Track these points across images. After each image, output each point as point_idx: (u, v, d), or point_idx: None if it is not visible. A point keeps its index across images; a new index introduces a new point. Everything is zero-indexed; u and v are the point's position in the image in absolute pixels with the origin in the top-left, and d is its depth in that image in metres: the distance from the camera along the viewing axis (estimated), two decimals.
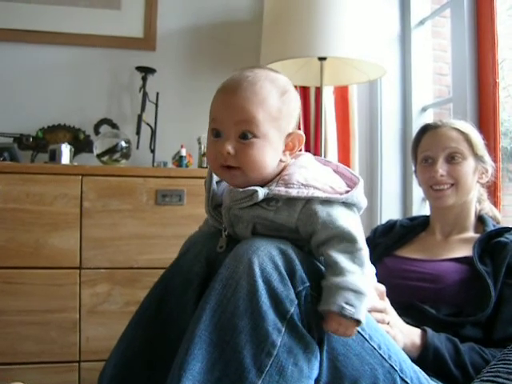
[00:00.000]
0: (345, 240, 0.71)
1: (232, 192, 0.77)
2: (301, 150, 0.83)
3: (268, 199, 0.74)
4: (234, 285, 0.67)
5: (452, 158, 1.13)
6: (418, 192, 2.02)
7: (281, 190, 0.73)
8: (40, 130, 1.82)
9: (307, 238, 0.75)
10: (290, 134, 0.78)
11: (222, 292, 0.67)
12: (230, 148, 0.74)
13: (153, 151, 1.85)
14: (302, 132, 0.80)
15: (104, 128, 1.86)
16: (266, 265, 0.67)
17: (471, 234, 1.13)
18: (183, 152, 1.76)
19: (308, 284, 0.70)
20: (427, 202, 2.04)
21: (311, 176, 0.74)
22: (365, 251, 0.72)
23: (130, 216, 1.52)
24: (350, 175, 0.81)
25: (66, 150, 1.58)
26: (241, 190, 0.75)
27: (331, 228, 0.72)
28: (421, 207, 2.07)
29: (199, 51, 2.02)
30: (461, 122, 1.18)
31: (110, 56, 1.96)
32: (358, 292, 0.68)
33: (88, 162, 1.76)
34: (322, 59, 1.69)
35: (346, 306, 0.67)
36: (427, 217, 1.24)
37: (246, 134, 0.74)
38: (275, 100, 0.76)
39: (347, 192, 0.75)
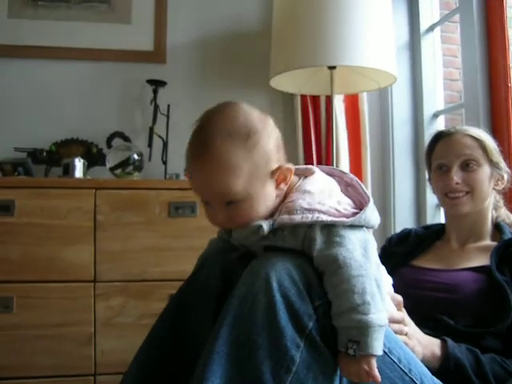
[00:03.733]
0: (339, 268, 0.68)
1: (236, 233, 0.76)
2: (312, 164, 0.81)
3: (274, 229, 0.73)
4: (251, 300, 0.66)
5: (467, 166, 1.11)
6: (431, 200, 2.00)
7: (284, 218, 0.72)
8: (53, 144, 1.83)
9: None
10: (274, 172, 0.75)
11: (240, 307, 0.66)
12: (220, 218, 0.74)
13: (165, 163, 1.85)
14: (286, 164, 0.76)
15: (116, 141, 1.86)
16: (284, 279, 0.67)
17: (488, 242, 1.12)
18: None
19: (326, 298, 0.69)
20: (441, 210, 2.05)
21: (316, 200, 0.73)
22: (365, 278, 0.68)
23: (143, 228, 1.52)
24: (362, 192, 0.78)
25: (79, 163, 1.60)
26: (244, 230, 0.75)
27: (325, 256, 0.69)
28: (435, 215, 2.04)
29: (209, 63, 2.03)
30: (475, 129, 1.16)
31: (121, 70, 1.97)
32: (360, 326, 0.65)
33: (101, 175, 1.77)
34: (331, 68, 1.69)
35: (350, 345, 0.65)
36: (442, 225, 1.22)
37: (230, 202, 0.73)
38: (241, 156, 0.71)
39: (354, 214, 0.72)
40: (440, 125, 2.05)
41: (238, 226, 0.75)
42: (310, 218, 0.70)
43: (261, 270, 0.68)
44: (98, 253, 1.49)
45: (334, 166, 0.83)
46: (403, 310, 0.87)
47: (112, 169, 1.71)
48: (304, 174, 0.80)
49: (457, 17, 1.99)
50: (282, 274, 0.67)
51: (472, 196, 1.10)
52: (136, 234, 1.51)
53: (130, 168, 1.72)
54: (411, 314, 0.90)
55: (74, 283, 1.48)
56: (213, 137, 0.72)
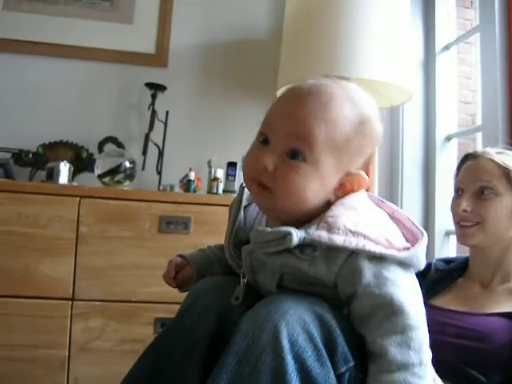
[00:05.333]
0: (393, 315, 0.55)
1: (257, 231, 0.62)
2: None
3: (303, 246, 0.59)
4: (253, 361, 0.51)
5: (481, 193, 1.00)
6: (440, 227, 1.91)
7: (322, 235, 0.57)
8: (40, 145, 1.72)
9: (347, 301, 0.60)
10: (350, 174, 0.63)
11: (237, 369, 0.51)
12: (269, 163, 0.60)
13: (159, 173, 1.75)
14: (365, 175, 0.64)
15: (109, 146, 1.75)
16: (298, 335, 0.52)
17: None
18: (192, 175, 1.65)
19: (352, 363, 0.54)
20: (450, 238, 1.94)
21: (363, 222, 0.59)
22: (422, 331, 0.56)
23: (130, 244, 1.40)
24: (411, 225, 0.65)
25: (64, 168, 1.48)
26: (269, 229, 0.60)
27: (376, 295, 0.56)
28: (443, 243, 1.94)
29: (213, 69, 1.94)
30: (504, 155, 1.04)
31: (119, 71, 1.89)
32: None
33: (89, 182, 1.65)
34: None
35: None
36: (466, 259, 1.10)
37: (296, 153, 0.60)
38: (348, 127, 0.61)
39: (406, 249, 0.59)
40: (453, 148, 1.95)
41: (271, 191, 0.61)
42: (354, 243, 0.57)
43: (268, 320, 0.53)
44: (78, 268, 1.37)
45: (376, 195, 0.70)
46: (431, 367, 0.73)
47: (100, 176, 1.59)
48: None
49: (472, 38, 1.91)
50: (295, 328, 0.52)
51: (483, 228, 0.99)
52: (122, 250, 1.39)
53: (121, 176, 1.61)
54: (432, 362, 0.77)
55: (50, 300, 1.35)
56: (336, 90, 0.62)
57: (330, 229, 0.58)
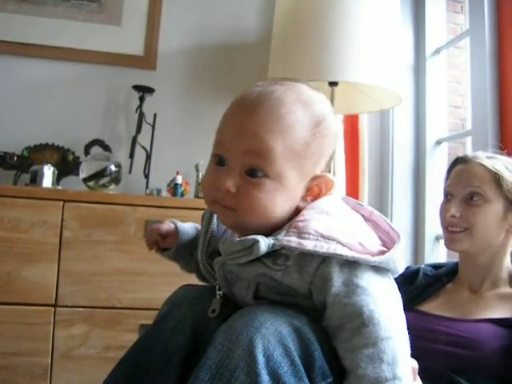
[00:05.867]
0: (364, 326, 0.52)
1: (226, 242, 0.60)
2: None
3: (275, 254, 0.56)
4: (226, 377, 0.49)
5: (471, 199, 0.98)
6: (430, 231, 1.91)
7: (292, 240, 0.55)
8: (26, 148, 1.69)
9: (322, 310, 0.57)
10: (316, 178, 0.61)
11: None
12: (230, 184, 0.57)
13: (147, 177, 1.72)
14: (331, 176, 0.62)
15: (95, 149, 1.73)
16: (274, 350, 0.49)
17: (508, 289, 0.98)
18: (179, 179, 1.62)
19: (331, 379, 0.52)
20: (440, 243, 1.93)
21: (335, 226, 0.57)
22: (397, 342, 0.53)
23: (115, 249, 1.37)
24: (388, 227, 0.62)
25: (48, 171, 1.44)
26: (237, 239, 0.58)
27: (345, 305, 0.53)
28: (433, 248, 1.93)
29: (202, 72, 1.92)
30: (494, 159, 1.03)
31: (106, 73, 1.86)
32: None
33: (75, 186, 1.62)
34: (332, 84, 1.58)
35: None
36: (455, 264, 1.08)
37: (255, 171, 0.58)
38: (304, 131, 0.58)
39: (382, 252, 0.57)
40: (443, 153, 1.95)
41: (237, 212, 0.58)
42: (325, 248, 0.54)
43: (242, 333, 0.50)
44: (61, 273, 1.34)
45: (351, 198, 0.68)
46: (418, 378, 0.71)
47: (85, 180, 1.56)
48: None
49: (462, 42, 1.91)
50: (271, 342, 0.49)
51: (471, 234, 0.98)
52: (106, 255, 1.36)
53: (106, 180, 1.58)
54: (419, 370, 0.75)
55: (32, 306, 1.32)
56: (285, 94, 0.59)
57: (299, 233, 0.56)
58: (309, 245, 0.54)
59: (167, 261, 1.36)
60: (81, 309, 1.34)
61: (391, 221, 1.98)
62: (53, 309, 1.33)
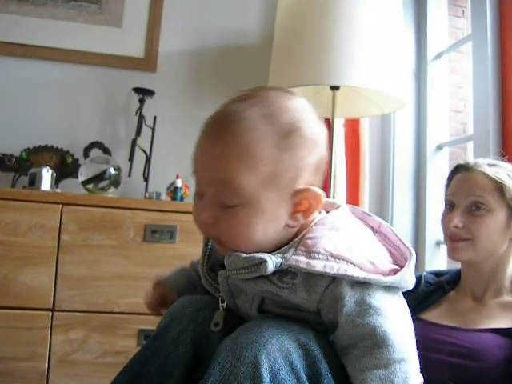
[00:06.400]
0: (376, 347, 0.51)
1: (231, 257, 0.57)
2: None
3: (281, 271, 0.54)
4: None
5: (474, 209, 0.97)
6: (431, 237, 1.89)
7: (300, 260, 0.53)
8: (24, 150, 1.67)
9: (331, 328, 0.55)
10: (298, 192, 0.57)
11: None
12: (206, 217, 0.56)
13: (146, 180, 1.71)
14: (317, 189, 0.58)
15: (95, 152, 1.72)
16: (280, 367, 0.48)
17: (511, 297, 0.96)
18: (179, 183, 1.61)
19: None
20: (441, 248, 1.92)
21: (345, 243, 0.55)
22: (409, 364, 0.51)
23: (113, 253, 1.36)
24: (398, 241, 0.60)
25: (47, 174, 1.43)
26: (243, 255, 0.55)
27: (358, 325, 0.52)
28: (434, 254, 1.92)
29: (203, 75, 1.91)
30: (497, 167, 1.02)
31: (106, 75, 1.85)
32: None
33: (74, 188, 1.61)
34: (334, 88, 1.57)
35: None
36: (457, 272, 1.07)
37: (226, 205, 0.56)
38: (268, 148, 0.55)
39: (393, 271, 0.55)
40: (444, 157, 1.94)
41: (223, 243, 0.57)
42: (335, 268, 0.52)
43: (247, 349, 0.49)
44: (59, 277, 1.32)
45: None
46: None
47: (84, 183, 1.55)
48: (326, 209, 0.62)
49: (463, 47, 1.90)
50: (277, 359, 0.48)
51: (474, 244, 0.96)
52: (105, 259, 1.35)
53: (105, 183, 1.56)
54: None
55: (29, 311, 1.31)
56: (244, 110, 0.55)
57: (308, 253, 0.54)
58: (318, 265, 0.53)
59: (167, 266, 1.35)
60: (78, 313, 1.33)
61: (392, 225, 1.97)
62: (50, 313, 1.31)
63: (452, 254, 1.00)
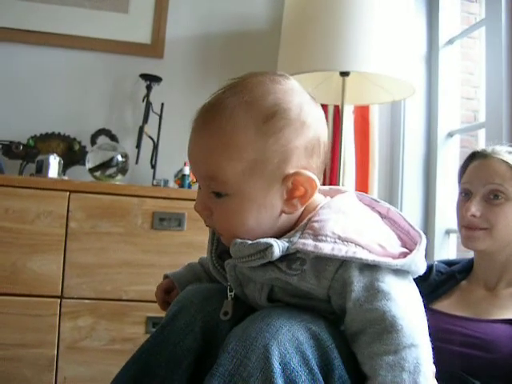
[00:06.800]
0: (385, 332, 0.49)
1: (236, 245, 0.56)
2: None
3: (289, 258, 0.53)
4: None
5: (494, 197, 0.94)
6: (440, 225, 1.87)
7: (307, 243, 0.52)
8: (32, 137, 1.67)
9: (341, 315, 0.54)
10: (289, 176, 0.55)
11: None
12: (201, 208, 0.58)
13: (154, 167, 1.70)
14: (309, 173, 0.56)
15: (102, 139, 1.71)
16: (291, 357, 0.46)
17: None
18: (186, 170, 1.60)
19: None
20: (450, 237, 1.90)
21: (353, 226, 0.54)
22: (420, 349, 0.50)
23: (121, 240, 1.35)
24: (407, 226, 0.58)
25: (54, 161, 1.42)
26: (249, 242, 0.55)
27: (366, 310, 0.50)
28: (443, 241, 1.90)
29: (210, 61, 1.88)
30: None
31: (113, 62, 1.83)
32: None
33: (81, 176, 1.60)
34: (344, 74, 1.54)
35: None
36: (470, 261, 1.05)
37: (216, 192, 0.56)
38: (249, 135, 0.54)
39: (403, 254, 0.53)
40: (455, 145, 1.91)
41: (219, 230, 0.59)
42: (344, 251, 0.51)
43: (257, 338, 0.47)
44: (67, 265, 1.32)
45: (366, 194, 0.63)
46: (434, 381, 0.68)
47: (91, 170, 1.54)
48: (332, 195, 0.61)
49: (475, 33, 1.86)
50: (288, 349, 0.47)
51: (491, 234, 0.94)
52: (113, 247, 1.34)
53: (113, 170, 1.55)
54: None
55: (38, 298, 1.31)
56: (227, 101, 0.56)
57: (315, 236, 0.53)
58: (326, 248, 0.51)
59: (175, 253, 1.36)
60: (87, 300, 1.33)
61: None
62: (59, 300, 1.32)
63: (468, 242, 0.97)
